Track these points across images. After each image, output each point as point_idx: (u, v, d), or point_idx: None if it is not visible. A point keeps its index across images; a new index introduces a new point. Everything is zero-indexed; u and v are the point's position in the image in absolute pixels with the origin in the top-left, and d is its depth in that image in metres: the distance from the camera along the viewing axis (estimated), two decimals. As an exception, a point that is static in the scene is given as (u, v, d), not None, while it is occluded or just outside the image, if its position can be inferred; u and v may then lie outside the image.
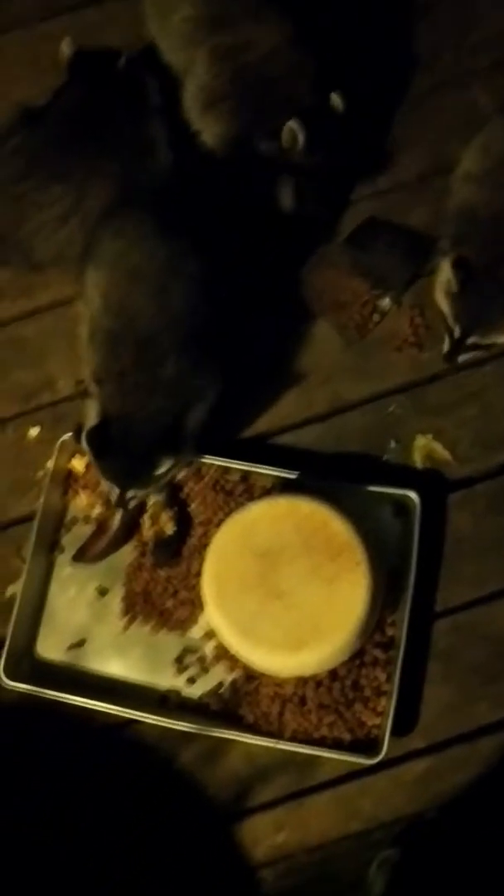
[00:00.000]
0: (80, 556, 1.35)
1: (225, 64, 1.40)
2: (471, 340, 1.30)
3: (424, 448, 1.36)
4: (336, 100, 1.40)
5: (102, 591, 1.36)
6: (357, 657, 1.24)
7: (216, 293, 1.28)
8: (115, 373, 1.23)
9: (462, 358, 1.32)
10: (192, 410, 1.25)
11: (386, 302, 1.43)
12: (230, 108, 1.41)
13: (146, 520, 1.34)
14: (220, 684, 1.28)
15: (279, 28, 1.40)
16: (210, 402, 1.28)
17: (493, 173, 1.33)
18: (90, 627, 1.34)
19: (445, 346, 1.32)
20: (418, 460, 1.36)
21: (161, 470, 1.24)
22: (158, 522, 1.33)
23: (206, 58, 1.40)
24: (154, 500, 1.33)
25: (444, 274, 1.30)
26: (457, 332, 1.30)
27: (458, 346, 1.31)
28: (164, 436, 1.23)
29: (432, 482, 1.34)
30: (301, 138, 1.36)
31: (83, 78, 1.46)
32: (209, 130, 1.45)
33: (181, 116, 1.46)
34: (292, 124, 1.35)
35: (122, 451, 1.23)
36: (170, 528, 1.32)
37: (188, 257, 1.27)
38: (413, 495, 1.28)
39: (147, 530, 1.34)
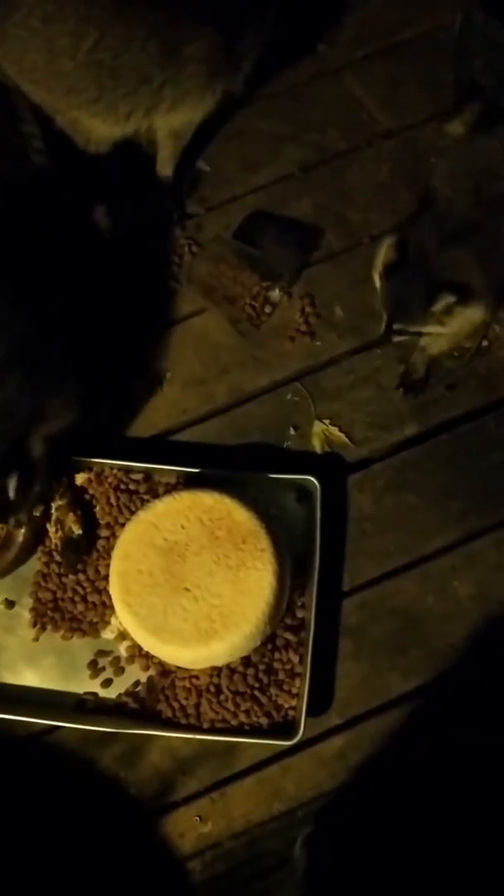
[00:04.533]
0: (-14, 571, 1.43)
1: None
2: (396, 326, 1.38)
3: (322, 433, 1.48)
4: None
5: (10, 603, 1.43)
6: (269, 642, 1.34)
7: (45, 312, 1.31)
8: None
9: (396, 339, 1.39)
10: (32, 434, 1.30)
11: (276, 293, 1.55)
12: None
13: (52, 526, 1.42)
14: (137, 683, 1.37)
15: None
16: (59, 421, 1.32)
17: (467, 182, 1.37)
18: (0, 640, 1.42)
19: (382, 326, 1.39)
20: (317, 445, 1.48)
21: (10, 493, 1.30)
22: (64, 526, 1.41)
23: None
24: (58, 504, 1.41)
25: (382, 253, 1.37)
26: (384, 316, 1.38)
27: (387, 328, 1.38)
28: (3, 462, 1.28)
29: (332, 465, 1.46)
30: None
31: None
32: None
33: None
34: None
35: None
36: (77, 530, 1.40)
37: None
38: (313, 480, 1.40)
39: (54, 536, 1.42)
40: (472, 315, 1.37)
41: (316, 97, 1.68)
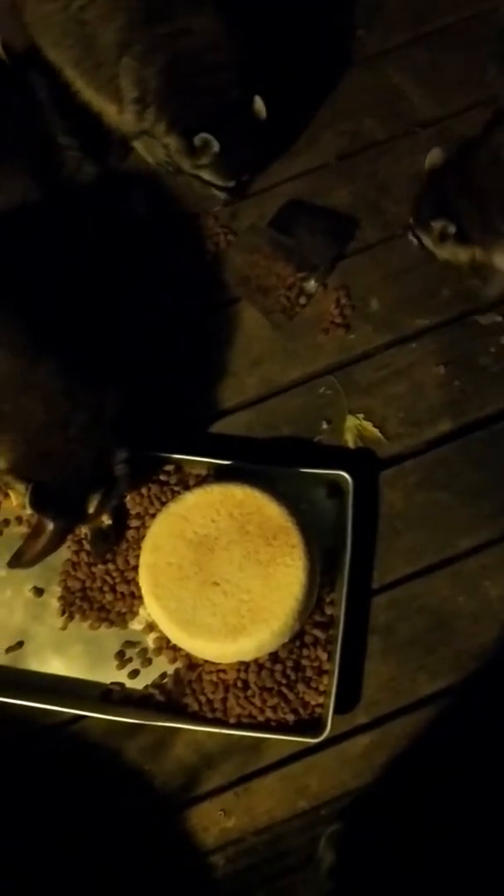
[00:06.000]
0: (17, 560, 1.39)
1: (159, 54, 1.44)
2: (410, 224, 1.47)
3: (355, 428, 1.45)
4: (259, 105, 1.46)
5: (39, 591, 1.43)
6: (297, 638, 1.33)
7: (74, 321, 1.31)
8: (21, 450, 1.27)
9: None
10: (114, 447, 1.29)
11: (311, 284, 1.52)
12: (159, 100, 1.46)
13: (81, 515, 1.41)
14: (164, 675, 1.36)
15: (215, 16, 1.45)
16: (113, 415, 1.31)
17: None
18: (28, 628, 1.41)
19: None
20: (349, 440, 1.45)
21: (90, 509, 1.29)
22: (94, 517, 1.40)
23: (142, 49, 1.44)
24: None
25: (430, 156, 1.44)
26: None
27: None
28: (91, 477, 1.28)
29: (364, 461, 1.43)
30: (215, 148, 1.44)
31: None
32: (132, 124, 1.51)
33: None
34: (205, 136, 1.43)
35: (63, 504, 1.29)
36: (106, 521, 1.39)
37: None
38: (345, 475, 1.38)
39: (83, 526, 1.41)
40: (458, 253, 1.43)
41: (354, 84, 1.64)
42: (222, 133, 1.44)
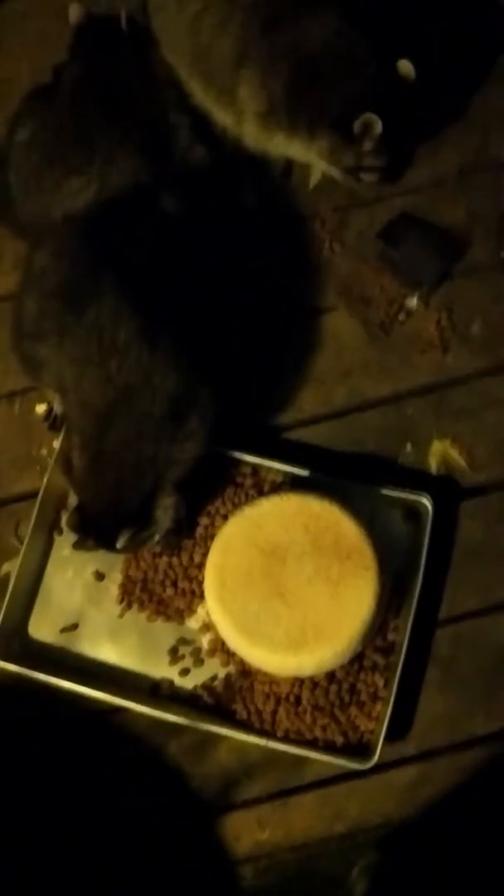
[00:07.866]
0: (82, 543, 1.41)
1: (282, 63, 1.39)
2: None
3: (440, 453, 1.43)
4: (406, 67, 1.38)
5: (100, 576, 1.43)
6: (356, 661, 1.32)
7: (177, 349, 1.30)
8: (86, 460, 1.30)
9: None
10: (163, 485, 1.30)
11: (413, 301, 1.50)
12: (291, 107, 1.41)
13: (152, 506, 1.42)
14: (214, 677, 1.36)
15: (332, 14, 1.40)
16: (185, 465, 1.31)
17: None
18: (85, 611, 1.42)
19: None
20: (433, 465, 1.43)
21: (118, 544, 1.30)
22: (165, 509, 1.40)
23: (262, 60, 1.39)
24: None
25: None
26: None
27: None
28: (128, 516, 1.29)
29: (446, 488, 1.41)
30: (378, 127, 1.36)
31: (87, 52, 1.51)
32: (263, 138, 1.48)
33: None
34: (369, 115, 1.35)
35: (97, 533, 1.32)
36: (181, 513, 1.38)
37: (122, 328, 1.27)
38: (426, 500, 1.36)
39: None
40: None
41: (484, 99, 1.60)
42: (375, 108, 1.36)
